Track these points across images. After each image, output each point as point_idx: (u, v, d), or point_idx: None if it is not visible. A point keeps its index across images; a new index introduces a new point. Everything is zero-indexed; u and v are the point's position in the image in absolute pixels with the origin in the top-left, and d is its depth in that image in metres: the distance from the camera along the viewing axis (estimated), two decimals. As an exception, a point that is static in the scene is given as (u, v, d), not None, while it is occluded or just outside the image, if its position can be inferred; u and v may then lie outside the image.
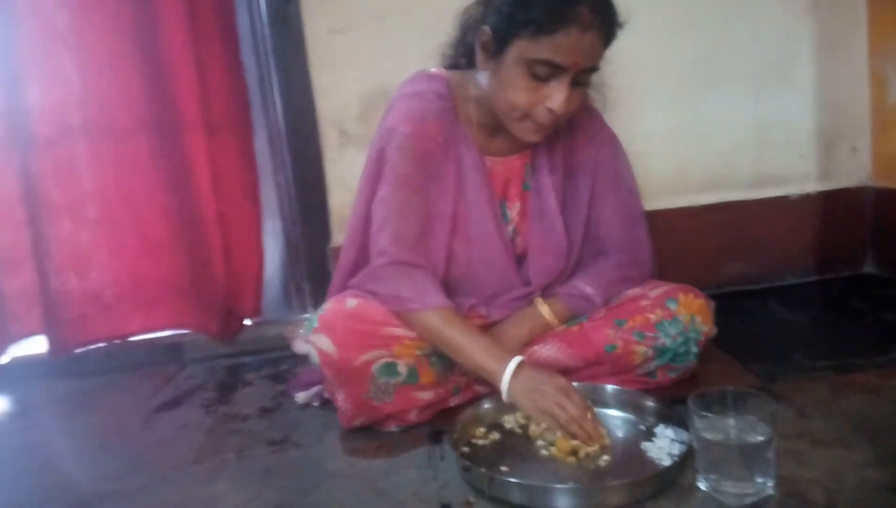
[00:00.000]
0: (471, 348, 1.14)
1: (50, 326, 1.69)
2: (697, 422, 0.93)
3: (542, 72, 1.08)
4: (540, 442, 1.09)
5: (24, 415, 1.54)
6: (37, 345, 1.75)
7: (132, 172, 1.68)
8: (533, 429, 1.12)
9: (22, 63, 1.61)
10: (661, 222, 1.68)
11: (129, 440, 1.32)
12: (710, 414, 0.92)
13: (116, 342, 1.75)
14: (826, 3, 1.83)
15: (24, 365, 1.75)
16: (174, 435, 1.32)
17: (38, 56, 1.62)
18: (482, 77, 1.18)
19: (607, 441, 1.06)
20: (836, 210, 1.91)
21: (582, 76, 1.11)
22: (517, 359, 1.11)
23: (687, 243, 1.82)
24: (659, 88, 1.82)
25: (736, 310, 1.65)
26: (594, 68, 1.12)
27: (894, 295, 1.73)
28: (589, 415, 1.07)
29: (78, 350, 1.72)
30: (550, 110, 1.10)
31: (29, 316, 1.73)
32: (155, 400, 1.51)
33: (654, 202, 1.65)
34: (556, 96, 1.09)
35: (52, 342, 1.69)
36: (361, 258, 1.28)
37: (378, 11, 1.72)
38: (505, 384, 1.10)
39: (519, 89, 1.10)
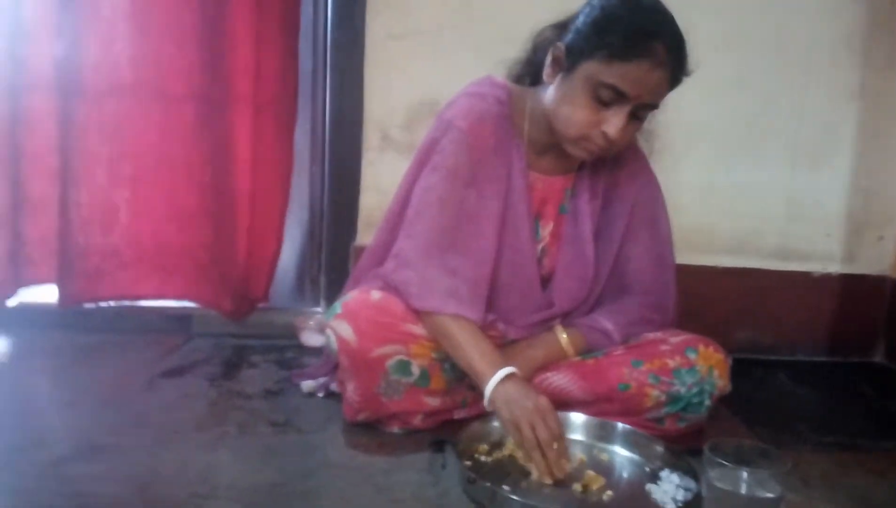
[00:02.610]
0: (471, 348, 1.13)
1: (64, 276, 1.68)
2: (710, 470, 0.93)
3: (606, 96, 1.09)
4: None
5: (27, 360, 1.54)
6: (48, 294, 1.74)
7: (174, 138, 1.69)
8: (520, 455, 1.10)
9: (82, 14, 1.62)
10: (682, 277, 1.69)
11: (131, 399, 1.32)
12: (725, 463, 0.92)
13: (127, 302, 1.75)
14: (872, 92, 1.86)
15: (33, 312, 1.74)
16: (176, 402, 1.31)
17: (100, 10, 1.63)
18: (546, 92, 1.19)
19: (564, 473, 1.05)
20: (854, 295, 1.92)
21: (641, 111, 1.13)
22: (509, 369, 1.09)
23: (704, 302, 1.82)
24: (700, 145, 1.84)
25: (745, 375, 1.65)
26: (654, 106, 1.14)
27: (902, 386, 1.74)
28: (556, 445, 1.04)
29: (88, 305, 1.71)
30: (605, 135, 1.12)
31: (44, 263, 1.72)
32: (160, 366, 1.51)
33: (678, 256, 1.67)
34: (614, 122, 1.10)
35: (64, 293, 1.69)
36: (393, 243, 1.26)
37: (438, 22, 1.75)
38: (489, 389, 1.08)
39: (580, 108, 1.12)
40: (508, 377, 1.09)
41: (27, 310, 1.74)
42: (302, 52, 1.74)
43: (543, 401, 1.07)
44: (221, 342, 1.70)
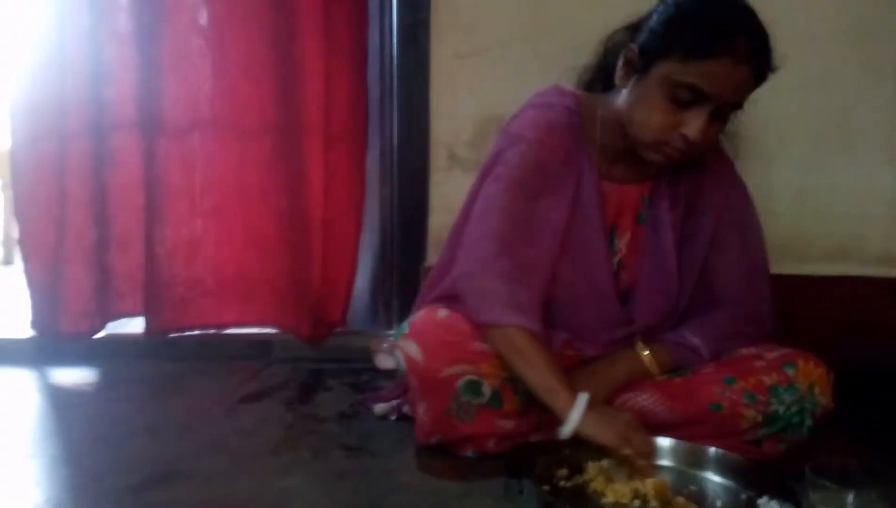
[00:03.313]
0: (542, 368, 1.06)
1: (151, 307, 1.75)
2: (813, 494, 0.84)
3: (685, 96, 1.03)
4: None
5: (112, 389, 1.58)
6: (133, 325, 1.81)
7: (251, 170, 1.74)
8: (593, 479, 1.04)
9: (161, 54, 1.69)
10: (779, 289, 1.58)
11: (211, 425, 1.34)
12: (828, 484, 0.83)
13: (210, 330, 1.79)
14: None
15: (120, 342, 1.81)
16: (254, 427, 1.33)
17: (178, 49, 1.70)
18: (619, 96, 1.14)
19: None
20: (971, 300, 1.74)
21: (724, 110, 1.06)
22: (586, 394, 1.03)
23: (803, 314, 1.69)
24: (789, 147, 1.73)
25: (852, 391, 1.51)
26: (738, 105, 1.06)
27: None
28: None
29: (173, 334, 1.77)
30: (685, 138, 1.05)
31: (131, 296, 1.79)
32: (239, 391, 1.53)
33: (772, 266, 1.56)
34: (694, 124, 1.04)
35: (151, 323, 1.75)
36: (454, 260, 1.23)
37: (503, 39, 1.74)
38: (576, 412, 1.01)
39: (657, 110, 1.06)
40: (589, 402, 1.03)
41: (114, 341, 1.81)
42: (369, 78, 1.76)
43: (629, 415, 1.08)
44: (299, 366, 1.72)
